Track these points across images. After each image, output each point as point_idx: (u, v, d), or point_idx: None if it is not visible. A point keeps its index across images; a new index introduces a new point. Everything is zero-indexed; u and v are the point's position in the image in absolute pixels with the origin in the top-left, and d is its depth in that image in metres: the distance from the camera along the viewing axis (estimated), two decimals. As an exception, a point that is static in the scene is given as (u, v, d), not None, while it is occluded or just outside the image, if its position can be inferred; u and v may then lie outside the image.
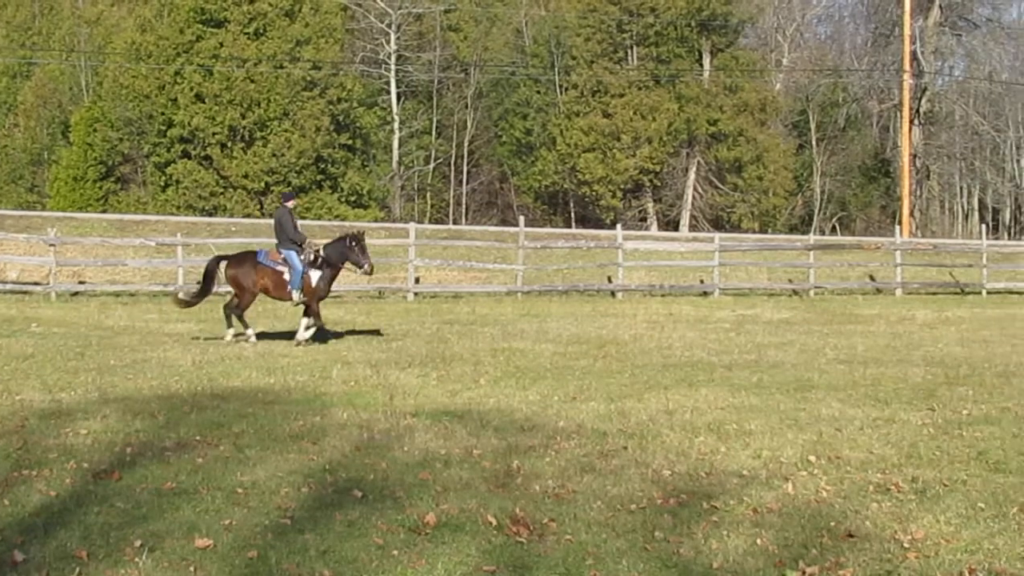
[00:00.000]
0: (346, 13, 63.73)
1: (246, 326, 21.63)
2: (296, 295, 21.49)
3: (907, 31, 55.39)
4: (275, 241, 22.61)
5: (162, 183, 57.82)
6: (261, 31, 57.34)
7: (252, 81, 56.56)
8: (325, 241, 23.39)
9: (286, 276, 21.47)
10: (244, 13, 57.11)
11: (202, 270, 33.83)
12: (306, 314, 21.58)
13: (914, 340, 23.66)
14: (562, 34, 66.72)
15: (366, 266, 22.04)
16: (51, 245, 32.68)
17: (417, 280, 36.09)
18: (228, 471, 9.90)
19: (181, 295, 24.14)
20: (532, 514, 8.57)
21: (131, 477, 9.66)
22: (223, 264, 22.43)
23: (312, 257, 21.71)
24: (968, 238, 62.45)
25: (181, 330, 23.45)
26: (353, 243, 22.04)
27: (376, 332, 22.72)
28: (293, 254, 21.58)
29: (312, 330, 21.45)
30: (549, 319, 27.66)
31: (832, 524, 8.48)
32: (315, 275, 21.50)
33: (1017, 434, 12.11)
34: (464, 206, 70.28)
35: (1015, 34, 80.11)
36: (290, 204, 23.46)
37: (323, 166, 58.74)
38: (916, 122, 65.12)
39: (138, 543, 7.72)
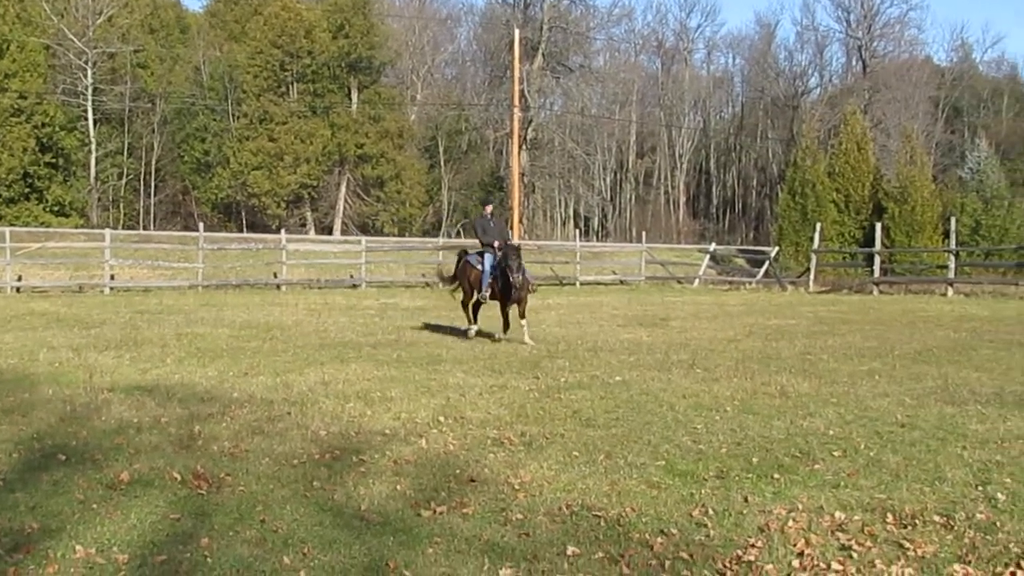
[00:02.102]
0: (48, 51, 61.26)
1: (468, 320, 20.32)
2: (483, 292, 19.51)
3: (516, 74, 56.48)
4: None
5: None
6: (-28, 65, 54.78)
7: (-36, 107, 54.00)
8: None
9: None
10: (-44, 48, 54.54)
11: None
12: (522, 316, 19.23)
13: (523, 322, 24.23)
14: (234, 71, 65.90)
15: (519, 276, 18.79)
16: None
17: (112, 277, 34.92)
18: (-54, 442, 9.44)
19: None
20: (211, 470, 8.46)
21: None
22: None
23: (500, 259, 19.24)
24: (565, 240, 64.16)
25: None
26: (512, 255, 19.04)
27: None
28: (487, 256, 19.55)
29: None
30: (225, 308, 27.22)
31: (458, 471, 8.63)
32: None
33: (604, 396, 12.49)
34: (152, 215, 68.81)
35: (601, 77, 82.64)
36: (487, 209, 20.92)
37: (30, 181, 56.30)
38: (524, 147, 66.50)
39: None
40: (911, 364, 15.99)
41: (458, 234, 70.50)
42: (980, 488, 8.12)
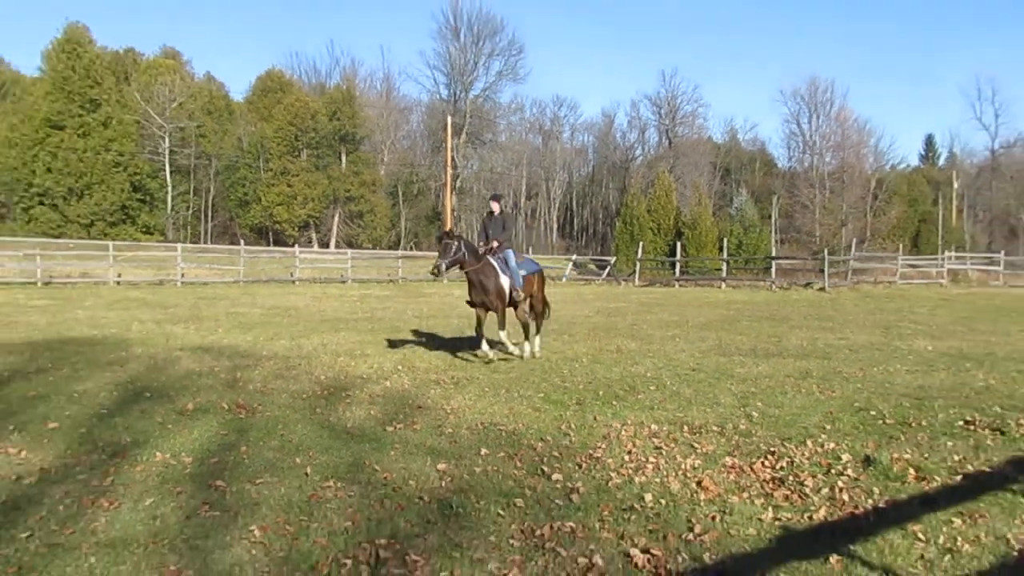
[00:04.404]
0: (138, 124, 59.87)
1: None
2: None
3: (449, 143, 56.31)
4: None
5: (26, 219, 53.03)
6: (87, 132, 53.19)
7: (81, 162, 52.46)
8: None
9: None
10: (77, 121, 52.92)
11: (57, 272, 31.46)
12: (500, 327, 11.74)
13: (452, 305, 24.07)
14: (264, 140, 64.72)
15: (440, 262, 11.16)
16: (-46, 255, 29.53)
17: (182, 275, 34.10)
18: (69, 384, 9.18)
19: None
20: (248, 402, 8.36)
21: (8, 389, 8.84)
22: None
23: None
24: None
25: (40, 304, 21.39)
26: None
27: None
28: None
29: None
30: (258, 296, 26.83)
31: (411, 402, 8.60)
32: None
33: (504, 354, 12.46)
34: (210, 234, 67.35)
35: (503, 148, 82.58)
36: (492, 206, 12.18)
37: (127, 211, 55.17)
38: (454, 192, 66.30)
39: (11, 427, 7.12)
40: (699, 331, 16.25)
41: (411, 247, 70.05)
42: (742, 409, 8.28)
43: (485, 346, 11.68)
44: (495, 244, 11.70)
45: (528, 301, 12.35)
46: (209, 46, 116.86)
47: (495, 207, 12.13)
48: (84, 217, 53.21)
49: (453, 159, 64.38)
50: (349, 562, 4.52)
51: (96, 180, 53.37)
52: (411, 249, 68.99)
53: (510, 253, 11.76)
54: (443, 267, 11.00)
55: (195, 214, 68.63)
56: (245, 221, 65.73)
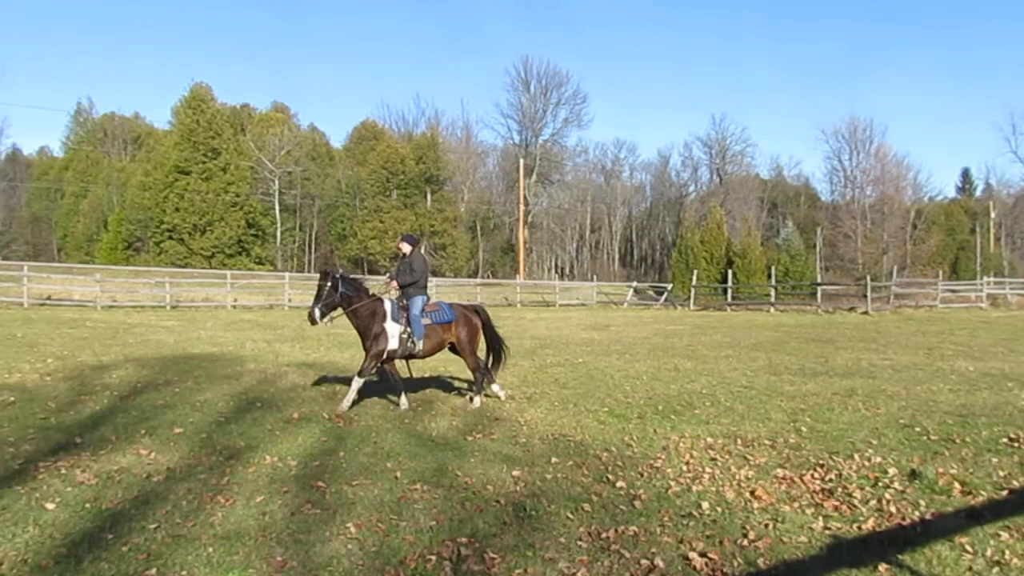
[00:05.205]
0: (252, 169, 61.74)
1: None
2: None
3: (521, 183, 56.59)
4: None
5: (157, 251, 55.09)
6: (209, 177, 55.10)
7: (204, 202, 54.39)
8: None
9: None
10: (200, 167, 54.91)
11: (183, 297, 32.46)
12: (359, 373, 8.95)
13: (525, 327, 24.08)
14: (360, 183, 66.14)
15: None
16: (97, 281, 30.61)
17: (290, 300, 34.81)
18: (192, 395, 9.40)
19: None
20: (345, 413, 8.42)
21: (140, 399, 9.09)
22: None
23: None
24: (551, 280, 64.03)
25: (168, 325, 22.04)
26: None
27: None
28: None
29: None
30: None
31: (488, 414, 8.57)
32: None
33: (572, 371, 12.41)
34: (313, 264, 68.87)
35: (570, 186, 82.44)
36: (402, 249, 9.87)
37: (242, 244, 56.87)
38: (526, 226, 66.50)
39: (143, 431, 7.31)
40: (750, 351, 15.90)
41: (489, 276, 70.46)
42: (791, 424, 8.05)
43: (404, 399, 8.94)
44: (394, 284, 9.49)
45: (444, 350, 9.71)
46: (313, 101, 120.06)
47: (405, 248, 9.65)
48: (206, 250, 55.01)
49: (525, 197, 64.68)
50: (433, 558, 4.50)
51: (216, 218, 55.23)
52: (488, 277, 69.32)
53: (417, 300, 9.25)
54: (316, 314, 8.68)
55: (300, 247, 70.32)
56: (343, 253, 67.03)
